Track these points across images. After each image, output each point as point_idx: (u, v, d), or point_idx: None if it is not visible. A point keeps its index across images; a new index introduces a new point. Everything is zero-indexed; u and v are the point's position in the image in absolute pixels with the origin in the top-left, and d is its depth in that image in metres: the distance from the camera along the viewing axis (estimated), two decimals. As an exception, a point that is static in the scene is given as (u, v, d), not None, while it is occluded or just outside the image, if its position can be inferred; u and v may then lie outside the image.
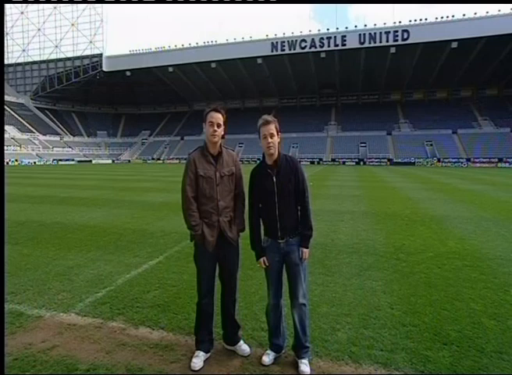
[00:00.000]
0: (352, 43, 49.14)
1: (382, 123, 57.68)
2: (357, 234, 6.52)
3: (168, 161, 60.04)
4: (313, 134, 58.37)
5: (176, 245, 5.70)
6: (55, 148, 58.92)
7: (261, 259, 2.59)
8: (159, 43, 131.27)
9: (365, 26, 50.34)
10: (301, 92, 66.79)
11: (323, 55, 51.25)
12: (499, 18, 43.96)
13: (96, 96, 72.15)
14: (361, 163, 50.55)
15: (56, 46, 66.55)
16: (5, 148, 47.64)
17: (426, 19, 47.50)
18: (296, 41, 51.41)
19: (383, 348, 2.69)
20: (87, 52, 64.38)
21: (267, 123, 2.48)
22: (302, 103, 68.69)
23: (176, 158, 59.75)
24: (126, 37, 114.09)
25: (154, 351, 2.64)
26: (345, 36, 49.49)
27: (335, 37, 49.89)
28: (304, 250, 2.52)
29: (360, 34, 48.78)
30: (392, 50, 48.68)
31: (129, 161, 63.06)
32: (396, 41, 47.42)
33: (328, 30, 51.46)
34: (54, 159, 53.73)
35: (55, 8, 65.91)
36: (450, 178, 22.30)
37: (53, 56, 66.68)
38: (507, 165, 43.48)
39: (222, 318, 2.73)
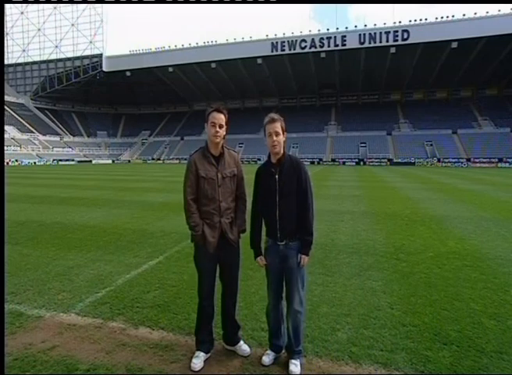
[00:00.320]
0: (352, 43, 49.12)
1: (382, 123, 57.69)
2: (357, 234, 6.52)
3: (168, 161, 60.05)
4: (313, 134, 58.36)
5: (176, 245, 5.70)
6: (55, 149, 58.92)
7: (258, 258, 2.59)
8: (159, 43, 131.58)
9: (365, 26, 50.37)
10: (301, 92, 66.79)
11: (323, 55, 51.24)
12: (499, 18, 43.96)
13: (96, 96, 72.13)
14: (361, 163, 50.52)
15: (56, 46, 66.57)
16: (5, 148, 47.64)
17: (426, 19, 47.53)
18: (296, 41, 51.40)
19: (383, 348, 2.69)
20: (87, 52, 64.42)
21: (273, 120, 2.46)
22: (302, 103, 68.68)
23: (176, 159, 59.76)
24: (126, 37, 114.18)
25: (154, 352, 2.64)
26: (345, 36, 49.48)
27: (335, 37, 49.87)
28: (303, 257, 2.47)
29: (360, 34, 48.76)
30: (392, 50, 48.67)
31: (129, 161, 63.06)
32: (396, 41, 47.42)
33: (328, 30, 51.46)
34: (54, 159, 53.72)
35: (55, 8, 65.95)
36: (450, 178, 22.30)
37: (53, 56, 66.72)
38: (507, 165, 43.47)
39: (222, 318, 2.73)
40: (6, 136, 51.91)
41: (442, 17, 46.87)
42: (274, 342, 2.61)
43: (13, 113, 60.55)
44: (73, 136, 66.58)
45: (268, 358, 2.53)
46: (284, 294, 2.59)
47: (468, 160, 46.35)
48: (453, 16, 46.53)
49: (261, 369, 2.47)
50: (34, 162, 49.90)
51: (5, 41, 66.23)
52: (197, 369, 2.43)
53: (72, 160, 56.55)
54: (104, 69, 61.02)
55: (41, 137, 59.95)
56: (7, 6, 63.39)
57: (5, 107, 58.98)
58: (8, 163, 45.20)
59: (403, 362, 2.51)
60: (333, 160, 52.55)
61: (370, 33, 48.34)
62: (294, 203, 2.46)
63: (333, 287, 3.90)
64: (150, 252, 5.30)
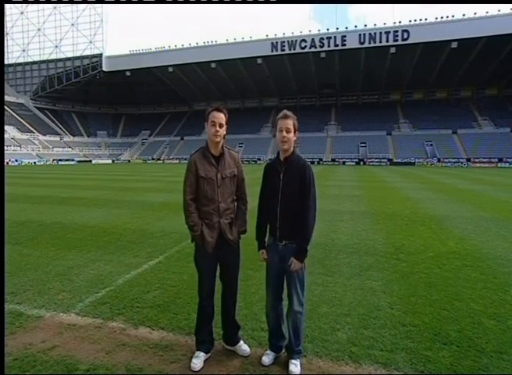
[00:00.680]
0: (352, 43, 49.09)
1: (382, 123, 57.67)
2: (357, 234, 6.52)
3: (168, 161, 60.03)
4: (313, 134, 58.28)
5: (176, 245, 5.70)
6: (54, 148, 58.89)
7: (261, 251, 2.60)
8: (159, 43, 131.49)
9: (365, 26, 50.33)
10: (301, 92, 66.73)
11: (323, 55, 51.20)
12: (499, 18, 43.93)
13: (96, 96, 72.10)
14: (361, 163, 50.52)
15: (56, 46, 66.52)
16: (5, 148, 47.62)
17: (426, 19, 47.48)
18: (296, 41, 51.37)
19: (383, 348, 2.69)
20: (87, 52, 64.36)
21: (285, 117, 2.43)
22: (302, 103, 68.58)
23: (176, 159, 59.73)
24: (126, 37, 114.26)
25: (154, 351, 2.64)
26: (345, 36, 49.44)
27: (335, 37, 49.83)
28: (295, 261, 2.41)
29: (360, 34, 48.72)
30: (392, 50, 48.64)
31: (129, 161, 63.02)
32: (396, 41, 47.38)
33: (328, 30, 51.41)
34: (54, 159, 53.67)
35: (54, 8, 65.90)
36: (450, 178, 22.30)
37: (53, 56, 66.64)
38: (507, 165, 43.46)
39: (222, 318, 2.73)
40: (6, 136, 51.89)
41: (442, 17, 46.86)
42: (274, 342, 2.61)
43: (13, 113, 60.53)
44: (73, 136, 66.56)
45: (268, 358, 2.53)
46: (284, 295, 2.59)
47: (468, 160, 46.33)
48: (452, 16, 46.53)
49: (260, 369, 2.47)
50: (34, 162, 49.87)
51: (5, 41, 66.22)
52: (197, 369, 2.43)
53: (72, 160, 56.52)
54: (104, 69, 60.98)
55: (41, 137, 59.94)
56: (7, 6, 63.37)
57: (5, 107, 58.97)
58: (8, 163, 45.19)
59: (403, 362, 2.51)
60: (333, 160, 52.55)
61: (370, 33, 48.31)
62: (296, 205, 2.43)
63: (333, 287, 3.90)
64: (150, 252, 5.30)
